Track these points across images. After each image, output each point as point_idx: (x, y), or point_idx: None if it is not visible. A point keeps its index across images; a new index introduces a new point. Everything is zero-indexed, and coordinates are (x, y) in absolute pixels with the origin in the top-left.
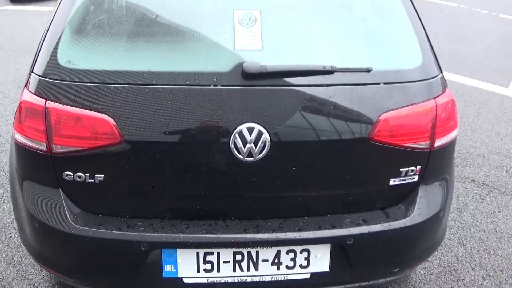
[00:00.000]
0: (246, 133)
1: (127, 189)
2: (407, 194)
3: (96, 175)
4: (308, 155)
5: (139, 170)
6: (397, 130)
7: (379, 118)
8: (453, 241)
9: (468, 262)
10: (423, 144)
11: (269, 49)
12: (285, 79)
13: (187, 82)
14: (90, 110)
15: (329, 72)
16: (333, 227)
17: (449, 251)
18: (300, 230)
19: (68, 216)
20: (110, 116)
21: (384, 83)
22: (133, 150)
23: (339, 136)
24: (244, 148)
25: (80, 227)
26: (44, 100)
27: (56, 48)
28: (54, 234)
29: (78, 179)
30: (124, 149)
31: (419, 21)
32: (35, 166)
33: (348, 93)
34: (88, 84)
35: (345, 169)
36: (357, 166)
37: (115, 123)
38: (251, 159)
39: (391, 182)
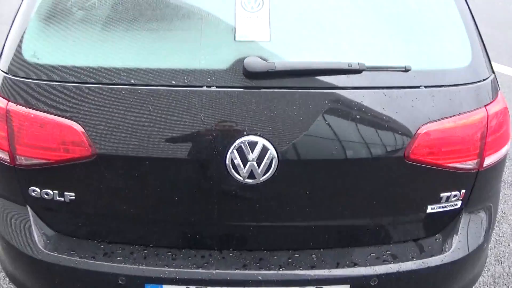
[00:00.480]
0: (247, 149)
1: (103, 211)
2: (447, 223)
3: (66, 193)
4: (327, 177)
5: (115, 190)
6: (439, 147)
7: (418, 131)
8: (490, 258)
9: (505, 284)
10: (469, 164)
11: (279, 41)
12: (298, 80)
13: (173, 82)
14: (56, 115)
15: (356, 71)
16: (354, 264)
17: (485, 270)
18: (313, 267)
19: (35, 238)
20: (79, 124)
21: (425, 87)
22: (108, 166)
23: (366, 153)
24: (244, 167)
25: (49, 253)
26: (6, 102)
27: (22, 39)
28: (21, 258)
29: (46, 196)
30: (97, 165)
31: (467, 8)
32: (0, 179)
33: (379, 99)
34: (54, 83)
35: (373, 195)
36: (388, 190)
37: (85, 133)
38: (253, 181)
39: (429, 210)
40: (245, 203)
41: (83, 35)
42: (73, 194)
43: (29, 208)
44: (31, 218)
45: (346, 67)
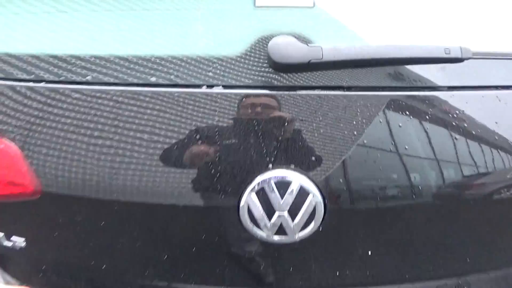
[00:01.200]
0: (272, 192)
1: (68, 263)
2: None
3: (13, 238)
4: (401, 231)
5: (77, 241)
6: None
7: None
8: None
9: None
10: None
11: (328, 9)
12: (360, 76)
13: (153, 79)
14: None
15: (457, 60)
16: None
17: None
18: None
19: None
20: (16, 144)
21: None
22: (59, 209)
23: (466, 195)
24: (270, 219)
25: None
26: None
27: None
28: None
29: None
30: (44, 207)
31: None
32: None
33: (490, 106)
34: None
35: (465, 248)
36: (490, 242)
37: (25, 158)
38: (284, 238)
39: None
40: (271, 267)
41: (32, 9)
42: (23, 239)
43: None
44: None
45: (442, 54)
